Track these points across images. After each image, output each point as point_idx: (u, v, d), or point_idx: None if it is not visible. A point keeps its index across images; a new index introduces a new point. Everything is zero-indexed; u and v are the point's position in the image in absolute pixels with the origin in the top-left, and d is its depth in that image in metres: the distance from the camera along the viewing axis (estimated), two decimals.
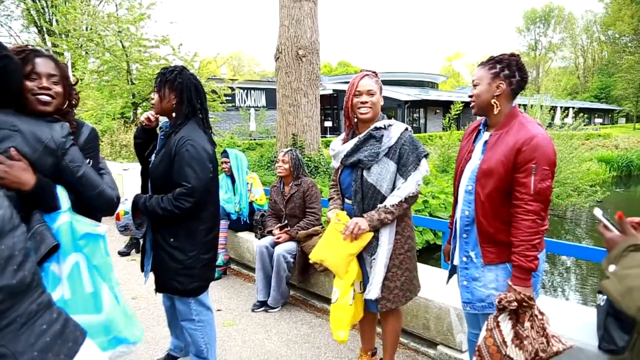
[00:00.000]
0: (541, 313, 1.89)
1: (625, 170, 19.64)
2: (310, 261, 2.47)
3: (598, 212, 1.31)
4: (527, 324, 1.86)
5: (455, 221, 2.15)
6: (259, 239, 4.09)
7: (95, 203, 1.64)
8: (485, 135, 2.01)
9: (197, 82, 2.35)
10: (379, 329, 2.92)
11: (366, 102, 2.29)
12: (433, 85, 40.00)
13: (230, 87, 16.44)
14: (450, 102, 21.40)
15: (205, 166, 2.23)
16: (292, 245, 3.65)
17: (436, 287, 2.98)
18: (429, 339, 2.96)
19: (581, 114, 20.53)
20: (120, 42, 13.80)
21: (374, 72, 2.39)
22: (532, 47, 58.09)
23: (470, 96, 2.05)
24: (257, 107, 25.12)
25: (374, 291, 2.28)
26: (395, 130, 2.31)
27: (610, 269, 1.09)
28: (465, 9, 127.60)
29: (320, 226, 3.77)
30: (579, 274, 7.62)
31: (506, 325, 1.90)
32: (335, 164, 2.49)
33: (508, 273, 1.95)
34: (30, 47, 1.65)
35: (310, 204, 3.75)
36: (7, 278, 0.88)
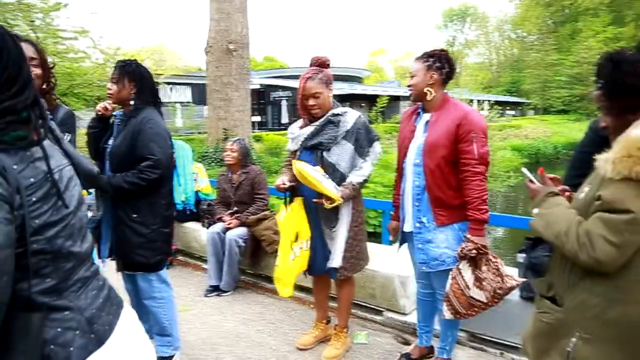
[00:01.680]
0: (494, 257, 2.28)
1: (534, 157, 21.54)
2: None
3: (525, 170, 1.65)
4: (484, 268, 2.24)
5: (403, 193, 2.48)
6: (207, 227, 4.22)
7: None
8: (426, 116, 2.35)
9: (151, 74, 2.55)
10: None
11: (314, 105, 2.56)
12: (359, 80, 41.12)
13: (157, 82, 15.99)
14: (375, 96, 22.29)
15: (167, 142, 2.46)
16: (242, 231, 3.84)
17: (379, 260, 3.30)
18: (375, 306, 3.29)
19: (495, 106, 22.25)
20: (34, 32, 12.98)
21: (318, 69, 2.61)
22: (450, 44, 61.42)
23: (409, 86, 2.39)
24: (183, 102, 24.51)
25: (337, 260, 2.56)
26: (350, 116, 2.60)
27: (535, 211, 1.43)
28: (388, 6, 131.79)
29: (269, 210, 3.99)
30: (501, 240, 8.52)
31: (467, 272, 2.27)
32: (294, 146, 2.73)
33: (456, 232, 2.31)
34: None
35: (259, 191, 3.96)
36: (80, 245, 1.03)
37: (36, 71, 1.78)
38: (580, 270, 1.32)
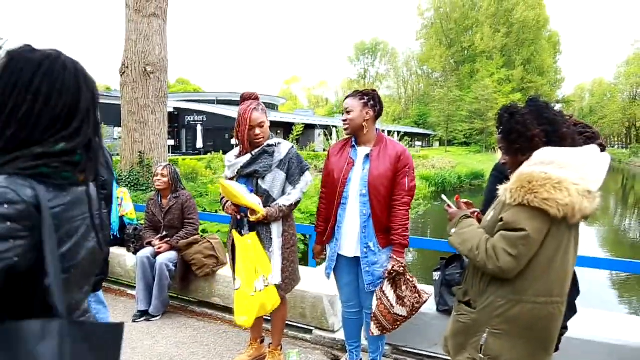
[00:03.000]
0: (411, 277, 2.60)
1: (441, 186, 23.21)
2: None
3: (444, 197, 1.99)
4: (403, 287, 2.56)
5: (342, 221, 2.68)
6: (134, 252, 4.19)
7: None
8: (363, 150, 2.64)
9: None
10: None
11: (258, 134, 2.77)
12: (273, 107, 41.75)
13: None
14: (290, 124, 22.84)
15: None
16: (172, 255, 3.88)
17: (307, 281, 3.53)
18: (304, 325, 3.50)
19: (405, 137, 23.75)
20: None
21: (255, 101, 2.83)
22: (362, 76, 64.66)
23: (344, 120, 2.68)
24: None
25: (276, 278, 2.74)
26: (284, 147, 2.84)
27: (452, 231, 1.76)
28: (302, 35, 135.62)
29: (200, 235, 4.08)
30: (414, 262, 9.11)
31: (390, 292, 2.57)
32: (230, 173, 2.91)
33: (389, 253, 2.61)
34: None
35: (189, 215, 4.04)
36: None
37: None
38: (488, 278, 1.66)
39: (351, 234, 2.68)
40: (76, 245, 0.98)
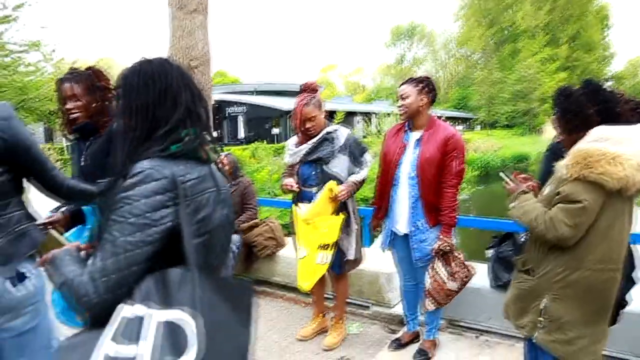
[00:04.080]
0: (459, 253, 2.77)
1: (484, 170, 22.87)
2: (302, 219, 2.99)
3: (502, 174, 2.13)
4: (453, 264, 2.73)
5: (394, 201, 2.90)
6: None
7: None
8: (415, 134, 2.82)
9: None
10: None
11: (309, 127, 2.98)
12: None
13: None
14: (329, 112, 23.04)
15: None
16: (236, 238, 4.17)
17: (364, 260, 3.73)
18: (362, 302, 3.71)
19: (446, 121, 23.45)
20: None
21: (311, 94, 3.02)
22: (399, 61, 63.83)
23: (400, 106, 2.85)
24: None
25: (351, 252, 3.00)
26: (342, 133, 3.05)
27: (511, 205, 1.91)
28: (337, 22, 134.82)
29: (258, 219, 4.35)
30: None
31: (441, 269, 2.76)
32: (292, 160, 3.13)
33: (439, 232, 2.79)
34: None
35: (249, 201, 4.31)
36: None
37: (80, 103, 2.22)
38: (547, 247, 1.81)
39: (402, 213, 2.88)
40: (208, 214, 1.19)
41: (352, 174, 3.02)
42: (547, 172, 2.12)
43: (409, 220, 2.85)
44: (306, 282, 2.94)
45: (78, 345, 0.98)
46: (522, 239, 3.06)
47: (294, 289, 3.88)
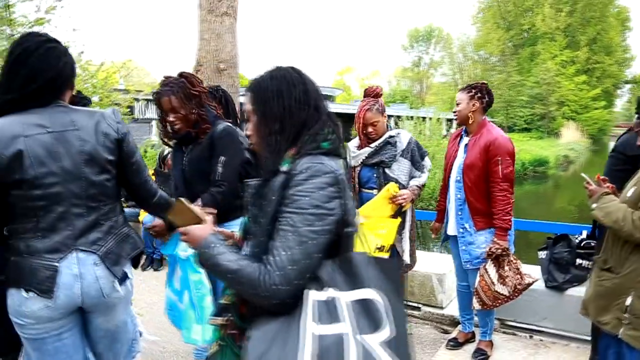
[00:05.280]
0: (515, 259, 2.84)
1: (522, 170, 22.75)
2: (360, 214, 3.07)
3: (584, 174, 2.20)
4: (506, 267, 2.79)
5: (448, 203, 3.03)
6: None
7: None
8: (465, 140, 2.92)
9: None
10: None
11: (371, 132, 3.05)
12: (331, 99, 42.05)
13: (135, 99, 16.12)
14: (347, 115, 23.10)
15: None
16: None
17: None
18: (413, 302, 3.79)
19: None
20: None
21: (375, 99, 3.08)
22: (416, 64, 63.67)
23: (455, 112, 2.96)
24: (156, 118, 24.34)
25: (406, 256, 3.07)
26: (404, 136, 3.13)
27: (593, 206, 1.99)
28: (354, 26, 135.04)
29: None
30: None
31: (492, 271, 2.82)
32: (354, 162, 3.22)
33: (492, 234, 2.85)
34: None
35: None
36: None
37: (180, 114, 2.39)
38: (631, 247, 1.88)
39: (452, 216, 3.01)
40: (351, 205, 1.28)
41: (412, 177, 3.10)
42: (612, 173, 2.21)
43: (456, 223, 2.95)
44: None
45: (277, 330, 1.07)
46: (577, 241, 3.14)
47: None
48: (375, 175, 3.12)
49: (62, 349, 1.73)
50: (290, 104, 1.24)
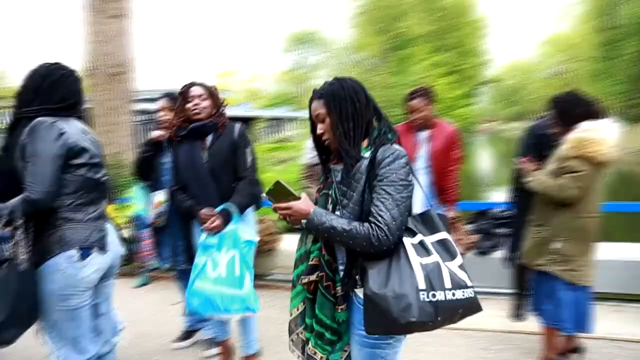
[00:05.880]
0: (463, 224, 3.56)
1: None
2: None
3: (515, 159, 2.92)
4: (458, 232, 3.49)
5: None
6: None
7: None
8: (423, 134, 3.55)
9: None
10: None
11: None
12: None
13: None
14: (231, 117, 23.44)
15: None
16: None
17: None
18: None
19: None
20: None
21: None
22: (296, 67, 65.35)
23: (418, 118, 3.53)
24: None
25: None
26: None
27: (529, 179, 2.71)
28: (233, 29, 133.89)
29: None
30: None
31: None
32: (315, 160, 3.69)
33: (443, 209, 3.54)
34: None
35: None
36: None
37: (206, 103, 2.68)
38: (553, 206, 2.63)
39: (417, 197, 3.64)
40: None
41: None
42: (528, 150, 2.98)
43: (424, 202, 3.58)
44: None
45: (390, 266, 1.50)
46: (502, 212, 3.97)
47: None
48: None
49: (90, 314, 2.18)
50: (360, 107, 1.66)
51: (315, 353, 1.74)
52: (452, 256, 1.57)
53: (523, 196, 2.98)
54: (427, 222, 1.62)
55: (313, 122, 1.77)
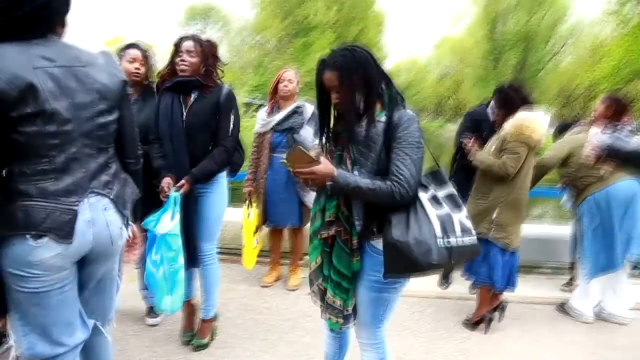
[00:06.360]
0: None
1: None
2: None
3: (462, 140, 3.32)
4: None
5: None
6: None
7: None
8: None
9: None
10: None
11: (287, 86, 3.78)
12: None
13: None
14: None
15: None
16: None
17: None
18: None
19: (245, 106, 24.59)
20: None
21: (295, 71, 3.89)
22: None
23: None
24: None
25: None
26: (308, 107, 3.86)
27: (473, 158, 3.13)
28: None
29: None
30: None
31: None
32: (263, 129, 3.82)
33: None
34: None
35: None
36: None
37: (194, 60, 2.61)
38: (494, 181, 3.06)
39: None
40: None
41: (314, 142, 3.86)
42: (467, 132, 3.43)
43: None
44: (250, 264, 3.84)
45: (408, 217, 1.71)
46: None
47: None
48: (285, 140, 3.79)
49: (64, 301, 1.67)
50: (372, 74, 1.81)
51: (334, 302, 1.94)
52: (459, 207, 1.84)
53: (462, 173, 3.42)
54: (437, 178, 1.87)
55: (320, 88, 1.88)
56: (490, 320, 3.26)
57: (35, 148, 1.53)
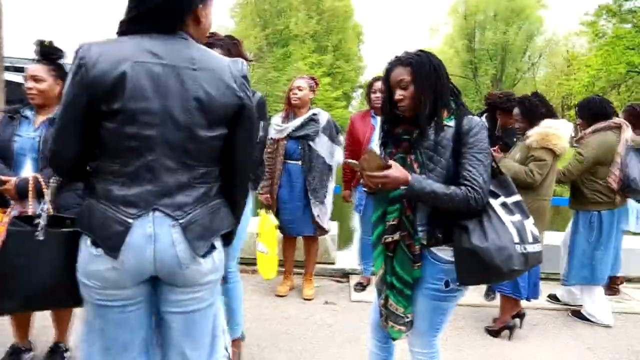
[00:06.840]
0: None
1: None
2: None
3: (492, 149, 3.38)
4: None
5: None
6: None
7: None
8: (378, 118, 3.84)
9: None
10: None
11: (296, 94, 3.78)
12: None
13: None
14: None
15: None
16: None
17: None
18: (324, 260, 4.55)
19: None
20: None
21: (311, 77, 3.90)
22: None
23: (379, 101, 3.87)
24: None
25: (325, 222, 3.86)
26: (323, 115, 3.87)
27: (501, 163, 3.18)
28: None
29: None
30: None
31: None
32: (278, 135, 3.81)
33: None
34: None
35: None
36: None
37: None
38: (521, 189, 3.11)
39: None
40: None
41: (331, 152, 3.86)
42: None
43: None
44: (271, 273, 3.65)
45: (483, 224, 1.71)
46: None
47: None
48: (300, 147, 3.78)
49: (125, 322, 1.52)
50: (443, 81, 1.83)
51: (397, 309, 1.92)
52: (527, 215, 1.86)
53: None
54: (504, 185, 1.89)
55: (389, 87, 1.87)
56: (514, 327, 3.29)
57: (113, 147, 1.42)
